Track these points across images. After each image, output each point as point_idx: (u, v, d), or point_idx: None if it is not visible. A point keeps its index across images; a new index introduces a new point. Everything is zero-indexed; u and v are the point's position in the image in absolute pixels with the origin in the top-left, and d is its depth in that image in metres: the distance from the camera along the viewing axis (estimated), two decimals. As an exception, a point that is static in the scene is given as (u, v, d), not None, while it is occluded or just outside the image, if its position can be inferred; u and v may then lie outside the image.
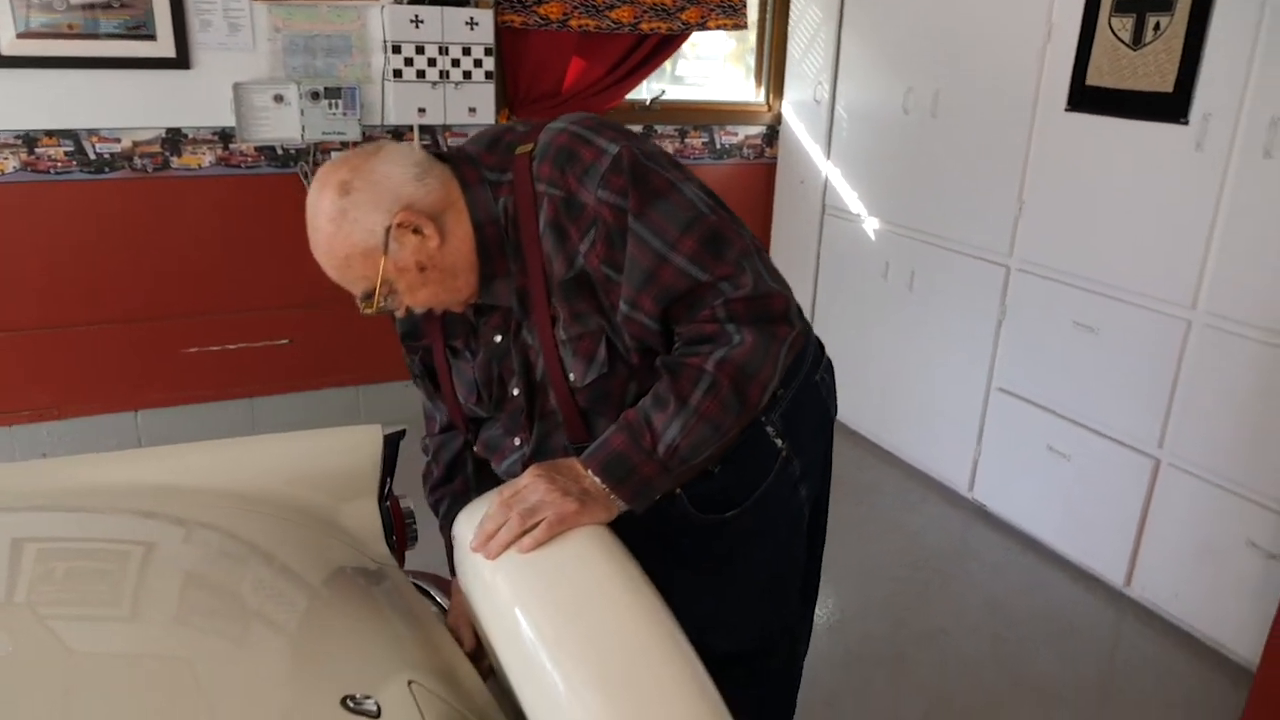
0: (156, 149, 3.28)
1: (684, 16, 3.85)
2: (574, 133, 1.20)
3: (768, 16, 4.22)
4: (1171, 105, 2.55)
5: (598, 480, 1.16)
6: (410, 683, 1.16)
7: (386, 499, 1.71)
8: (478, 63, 3.47)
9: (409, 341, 1.48)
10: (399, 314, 1.27)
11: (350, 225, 1.18)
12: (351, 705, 1.03)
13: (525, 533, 1.12)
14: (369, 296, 1.21)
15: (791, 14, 4.12)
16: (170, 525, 1.51)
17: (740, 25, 4.00)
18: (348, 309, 3.94)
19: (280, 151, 3.44)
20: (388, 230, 1.17)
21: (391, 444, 1.70)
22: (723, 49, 4.44)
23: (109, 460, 1.68)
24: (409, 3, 3.34)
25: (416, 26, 3.33)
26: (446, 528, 1.49)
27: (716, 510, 1.33)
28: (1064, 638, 2.65)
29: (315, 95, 3.34)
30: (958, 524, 3.27)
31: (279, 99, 3.33)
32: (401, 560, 1.71)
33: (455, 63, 3.43)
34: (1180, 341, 2.58)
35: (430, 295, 1.24)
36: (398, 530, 1.73)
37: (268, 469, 1.64)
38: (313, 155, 3.47)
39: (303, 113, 3.34)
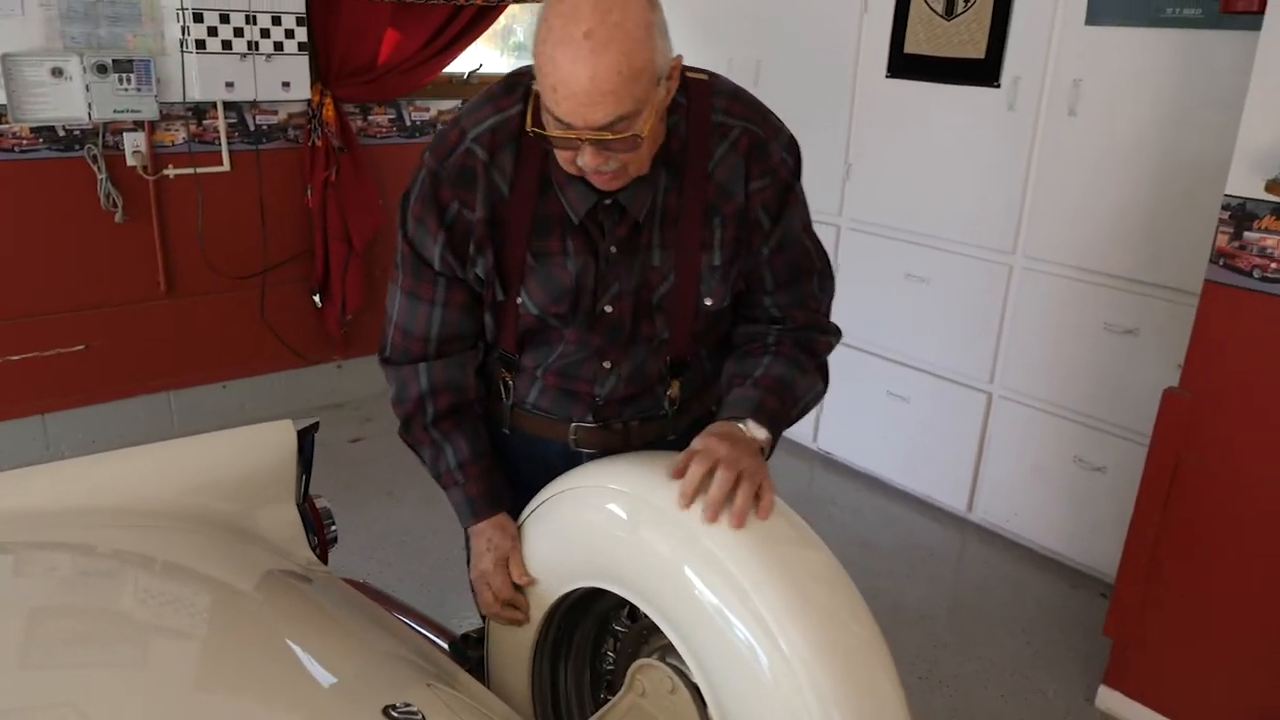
0: (-94, 132, 2.81)
1: (499, -13, 3.76)
2: (754, 96, 1.29)
3: (578, -12, 4.20)
4: (984, 70, 2.79)
5: (763, 433, 1.21)
6: (429, 685, 1.09)
7: (304, 499, 1.58)
8: (289, 33, 3.22)
9: (476, 236, 1.25)
10: (606, 165, 1.11)
11: (658, 40, 1.08)
12: (396, 715, 0.94)
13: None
14: (622, 120, 1.06)
15: (602, -14, 4.13)
16: (71, 555, 1.31)
17: (554, -4, 3.95)
18: (151, 307, 3.64)
19: (63, 133, 3.03)
20: (671, 65, 1.12)
21: (306, 439, 1.57)
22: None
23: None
24: (208, -34, 3.04)
25: (219, -8, 3.04)
26: (478, 461, 1.37)
27: None
28: (923, 565, 2.87)
29: (102, 69, 2.97)
30: (806, 473, 3.45)
31: (58, 73, 2.93)
32: (325, 563, 1.59)
33: (265, 33, 3.17)
34: (1004, 284, 2.85)
35: (648, 150, 1.15)
36: (319, 532, 1.60)
37: (169, 479, 1.47)
38: (102, 136, 3.09)
39: (89, 88, 2.96)
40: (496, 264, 1.25)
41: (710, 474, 1.11)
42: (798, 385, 1.27)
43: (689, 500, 1.10)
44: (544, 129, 1.11)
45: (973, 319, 2.95)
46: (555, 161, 1.19)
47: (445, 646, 1.51)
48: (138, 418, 3.42)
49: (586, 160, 1.10)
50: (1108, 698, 2.27)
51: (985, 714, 2.27)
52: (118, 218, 3.18)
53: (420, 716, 0.95)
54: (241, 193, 3.43)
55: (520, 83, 1.22)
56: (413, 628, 1.54)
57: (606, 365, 1.32)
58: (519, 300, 1.27)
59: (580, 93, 1.04)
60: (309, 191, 3.54)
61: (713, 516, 1.08)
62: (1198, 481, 2.05)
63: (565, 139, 1.09)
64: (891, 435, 3.26)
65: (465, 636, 1.49)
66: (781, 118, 1.31)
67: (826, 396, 3.57)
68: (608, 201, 1.21)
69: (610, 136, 1.07)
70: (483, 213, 1.22)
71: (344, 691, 1.02)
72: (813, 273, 1.33)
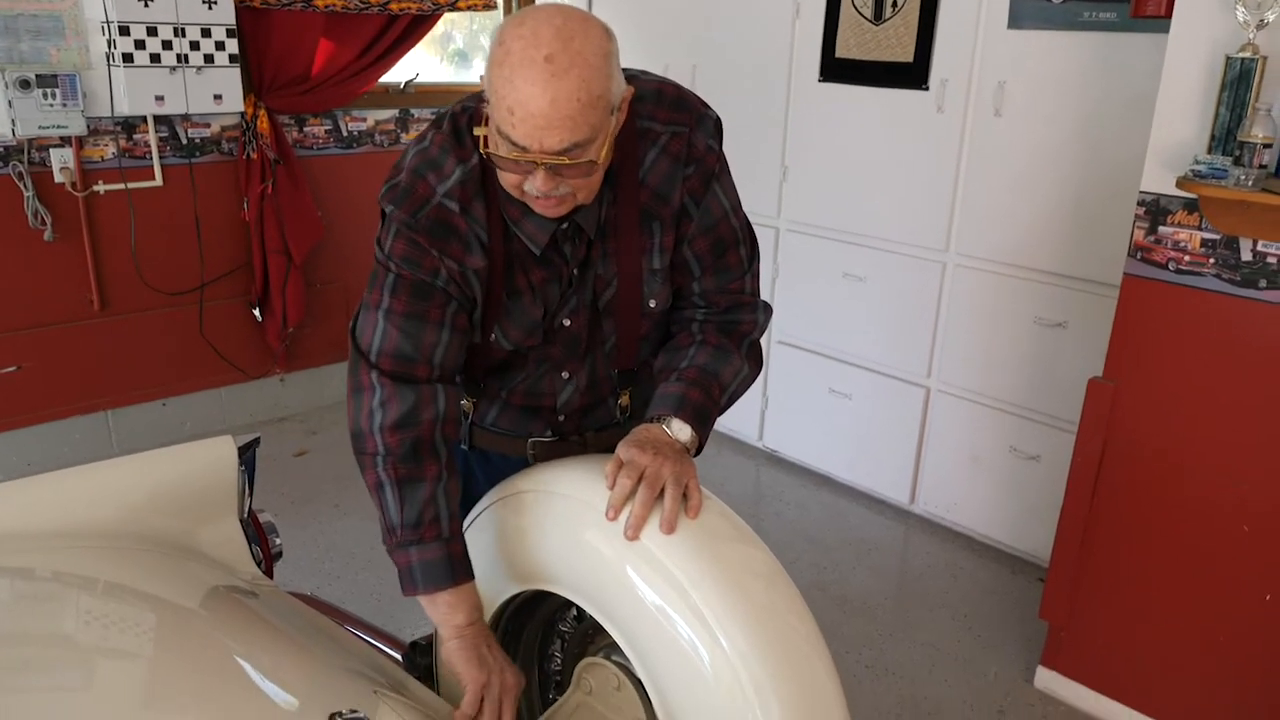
0: None
1: (434, -4, 3.76)
2: (676, 84, 1.28)
3: (514, -4, 4.22)
4: (913, 73, 2.87)
5: (687, 431, 1.22)
6: (376, 692, 1.10)
7: (247, 514, 1.57)
8: (219, 45, 3.18)
9: (465, 283, 1.24)
10: (556, 190, 1.11)
11: (613, 71, 1.09)
12: (342, 721, 0.95)
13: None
14: (577, 147, 1.07)
15: (538, -7, 4.15)
16: (9, 579, 1.29)
17: (490, 5, 3.96)
18: (86, 325, 3.61)
19: (-14, 150, 2.97)
20: (622, 97, 1.13)
21: (247, 453, 1.56)
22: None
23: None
24: (134, -22, 3.00)
25: (146, 5, 2.99)
26: (461, 517, 1.27)
27: None
28: (868, 557, 2.94)
29: (25, 84, 2.91)
30: (752, 471, 3.50)
31: (-21, 89, 2.87)
32: (271, 577, 1.58)
33: (194, 45, 3.12)
34: (938, 281, 2.93)
35: (598, 178, 1.16)
36: (264, 546, 1.59)
37: (109, 499, 1.45)
38: (28, 153, 3.03)
39: (11, 104, 2.90)
40: (482, 307, 1.26)
41: (638, 484, 1.13)
42: (723, 373, 1.29)
43: (617, 513, 1.13)
44: (496, 151, 1.10)
45: (909, 316, 3.02)
46: (506, 201, 1.20)
47: (396, 656, 1.52)
48: (75, 438, 3.35)
49: (538, 184, 1.10)
50: (1045, 677, 2.35)
51: (930, 698, 2.34)
52: (47, 235, 3.11)
53: (368, 723, 0.97)
54: (175, 207, 3.38)
55: (461, 126, 1.21)
56: (361, 638, 1.54)
57: (565, 376, 1.35)
58: (492, 337, 1.29)
59: (539, 115, 1.04)
60: (245, 205, 3.50)
61: (634, 535, 1.11)
62: (1124, 467, 2.13)
63: (517, 161, 1.08)
64: (835, 432, 3.32)
65: (414, 644, 1.50)
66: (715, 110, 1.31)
67: (771, 395, 3.60)
68: (565, 226, 1.23)
69: (566, 162, 1.07)
70: (480, 261, 1.22)
71: (290, 702, 1.02)
72: (737, 244, 1.32)
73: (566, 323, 1.30)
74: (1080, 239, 2.61)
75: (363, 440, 1.23)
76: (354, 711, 0.97)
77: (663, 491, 1.13)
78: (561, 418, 1.39)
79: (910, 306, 3.01)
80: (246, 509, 1.56)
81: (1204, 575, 2.06)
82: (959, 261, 2.88)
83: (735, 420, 3.63)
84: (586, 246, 1.26)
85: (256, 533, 1.58)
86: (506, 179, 1.14)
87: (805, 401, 3.38)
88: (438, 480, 1.22)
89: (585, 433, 1.42)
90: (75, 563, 1.34)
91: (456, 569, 1.21)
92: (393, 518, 1.21)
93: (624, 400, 1.41)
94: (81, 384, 3.33)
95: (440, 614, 1.21)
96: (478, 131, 1.12)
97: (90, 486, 1.46)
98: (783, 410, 3.48)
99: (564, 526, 1.21)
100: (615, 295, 1.29)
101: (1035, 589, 2.71)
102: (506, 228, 1.23)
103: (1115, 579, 2.18)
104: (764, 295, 1.39)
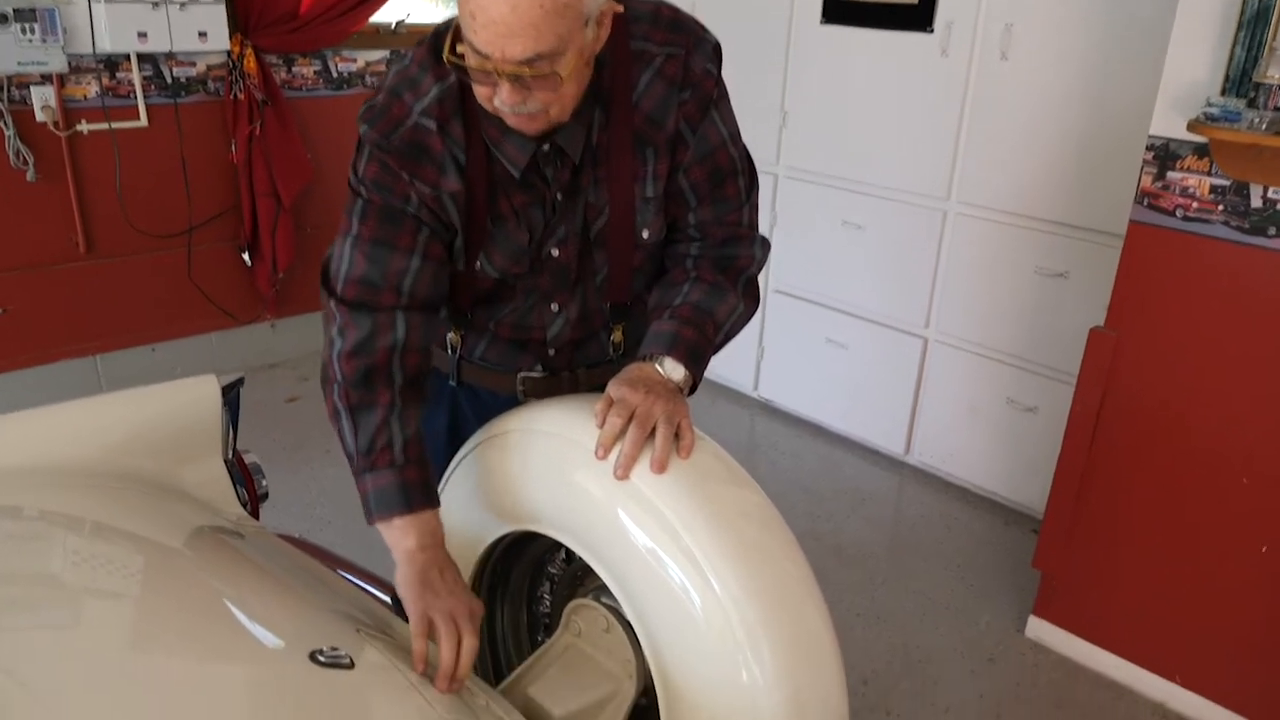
0: None
1: (426, -69, 3.65)
2: (673, 6, 1.23)
3: (509, -67, 4.09)
4: (917, 15, 2.79)
5: (680, 370, 1.18)
6: (358, 630, 1.08)
7: (232, 454, 1.54)
8: (204, -21, 3.09)
9: (441, 208, 1.20)
10: (524, 104, 1.06)
11: None
12: (322, 659, 0.93)
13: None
14: (542, 58, 1.01)
15: (534, -69, 4.03)
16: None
17: (484, -58, 3.85)
18: (72, 268, 3.53)
19: (-35, 86, 2.89)
20: (602, 9, 1.07)
21: (231, 393, 1.53)
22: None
23: None
24: (114, -94, 2.90)
25: (127, -65, 2.90)
26: (420, 443, 1.21)
27: None
28: (862, 507, 2.93)
29: (3, 18, 2.82)
30: (747, 421, 3.48)
31: (-44, 22, 2.78)
32: (257, 518, 1.56)
33: (178, -21, 3.03)
34: (939, 230, 2.88)
35: (571, 94, 1.10)
36: (249, 487, 1.57)
37: (91, 437, 1.43)
38: (7, 91, 2.95)
39: (-10, 38, 2.82)
40: (462, 234, 1.22)
41: (629, 423, 1.10)
42: (718, 311, 1.25)
43: (606, 451, 1.10)
44: (461, 60, 1.06)
45: (908, 265, 2.98)
46: (486, 121, 1.15)
47: (383, 598, 1.50)
48: (64, 382, 3.32)
49: (504, 97, 1.05)
50: (1037, 626, 2.35)
51: (921, 646, 2.34)
52: (29, 176, 3.05)
53: (348, 659, 0.95)
54: (161, 148, 3.31)
55: (444, 43, 1.14)
56: (348, 579, 1.52)
57: (554, 308, 1.32)
58: (477, 265, 1.25)
59: (499, 21, 0.99)
60: (233, 146, 3.43)
61: (624, 474, 1.08)
62: (1122, 418, 2.10)
63: (482, 71, 1.03)
64: (831, 382, 3.29)
65: (402, 586, 1.48)
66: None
67: (767, 345, 3.56)
68: (546, 148, 1.18)
69: (529, 72, 1.02)
70: (456, 184, 1.17)
71: (272, 640, 1.00)
72: (735, 174, 1.26)
73: (555, 252, 1.26)
74: (1084, 187, 2.56)
75: (325, 370, 1.22)
76: (334, 649, 0.95)
77: (654, 431, 1.10)
78: (552, 351, 1.35)
79: (909, 255, 2.96)
80: (231, 449, 1.53)
81: (1201, 527, 2.04)
82: (960, 210, 2.82)
83: (730, 370, 3.60)
84: (572, 171, 1.21)
85: (242, 473, 1.56)
86: (479, 92, 1.09)
87: (801, 351, 3.34)
88: (390, 408, 1.18)
89: (577, 369, 1.38)
90: (57, 500, 1.31)
91: (411, 496, 1.17)
92: (349, 445, 1.21)
93: (617, 336, 1.37)
94: (69, 327, 3.29)
95: (393, 539, 1.18)
96: (460, 49, 1.07)
97: (71, 423, 1.44)
98: (778, 360, 3.45)
99: (553, 466, 1.18)
100: (607, 224, 1.25)
101: (1029, 540, 2.70)
102: (488, 150, 1.18)
103: (1110, 530, 2.17)
104: (761, 242, 1.35)
